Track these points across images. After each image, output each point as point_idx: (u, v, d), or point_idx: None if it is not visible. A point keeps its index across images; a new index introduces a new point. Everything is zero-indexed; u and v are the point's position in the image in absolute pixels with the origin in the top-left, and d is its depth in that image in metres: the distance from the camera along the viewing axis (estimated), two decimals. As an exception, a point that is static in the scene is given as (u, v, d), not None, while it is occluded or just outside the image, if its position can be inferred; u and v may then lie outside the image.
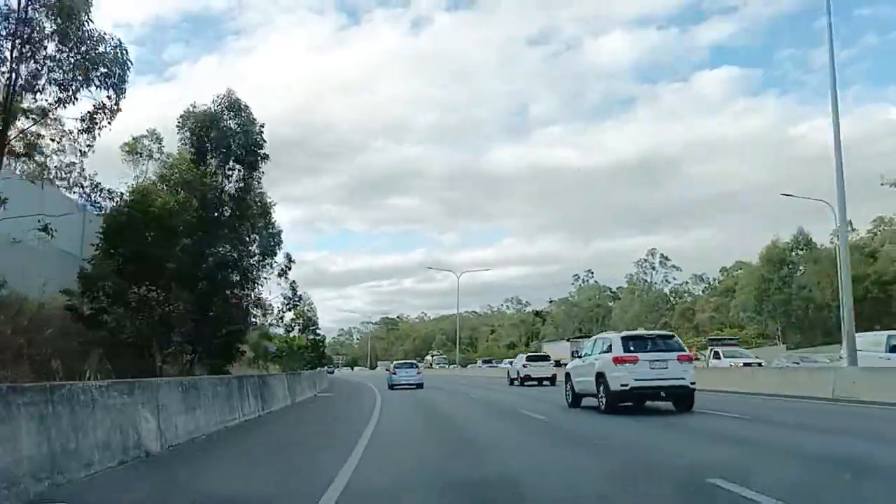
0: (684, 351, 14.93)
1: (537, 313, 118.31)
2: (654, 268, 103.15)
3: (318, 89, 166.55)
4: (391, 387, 32.81)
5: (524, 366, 35.50)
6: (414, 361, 44.24)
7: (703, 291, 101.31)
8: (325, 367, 68.34)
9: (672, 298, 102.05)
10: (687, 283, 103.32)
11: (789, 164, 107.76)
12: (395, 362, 42.04)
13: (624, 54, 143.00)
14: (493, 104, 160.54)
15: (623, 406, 14.36)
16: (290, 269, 23.06)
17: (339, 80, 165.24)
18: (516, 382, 35.14)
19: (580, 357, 17.04)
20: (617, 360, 14.23)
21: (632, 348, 14.41)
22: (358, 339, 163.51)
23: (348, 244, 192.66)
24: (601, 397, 14.62)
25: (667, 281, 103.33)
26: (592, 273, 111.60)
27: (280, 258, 22.46)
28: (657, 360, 14.11)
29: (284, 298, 23.59)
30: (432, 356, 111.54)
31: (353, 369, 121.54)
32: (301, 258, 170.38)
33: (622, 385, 14.00)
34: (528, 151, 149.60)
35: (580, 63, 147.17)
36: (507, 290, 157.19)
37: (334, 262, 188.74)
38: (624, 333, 15.80)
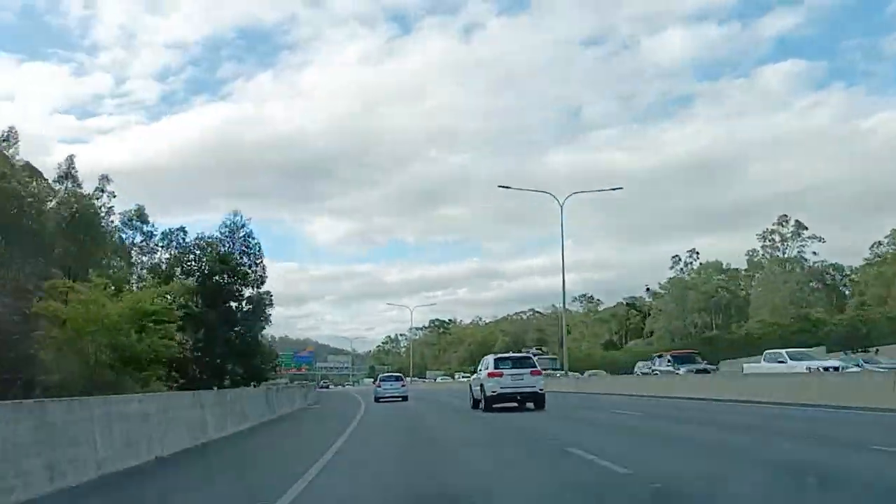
0: (536, 367, 21.30)
1: (631, 305, 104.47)
2: (784, 240, 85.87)
3: (369, 100, 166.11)
4: (377, 399, 33.53)
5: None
6: (400, 374, 44.44)
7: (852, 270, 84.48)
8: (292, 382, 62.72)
9: (828, 274, 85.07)
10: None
11: (858, 160, 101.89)
12: (381, 375, 43.41)
13: (682, 51, 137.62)
14: (545, 109, 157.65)
15: (497, 406, 20.39)
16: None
17: (390, 90, 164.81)
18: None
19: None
20: (490, 375, 20.68)
21: (499, 366, 20.90)
22: (405, 346, 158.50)
23: (400, 255, 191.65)
24: (481, 400, 21.09)
25: (803, 257, 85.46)
26: (697, 253, 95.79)
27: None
28: (516, 374, 20.47)
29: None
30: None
31: (374, 381, 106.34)
32: (353, 271, 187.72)
33: (493, 392, 20.34)
34: (580, 156, 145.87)
35: (636, 62, 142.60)
36: (558, 298, 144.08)
37: (388, 272, 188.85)
38: (495, 356, 22.90)
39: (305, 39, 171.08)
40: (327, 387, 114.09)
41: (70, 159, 37.81)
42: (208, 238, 43.65)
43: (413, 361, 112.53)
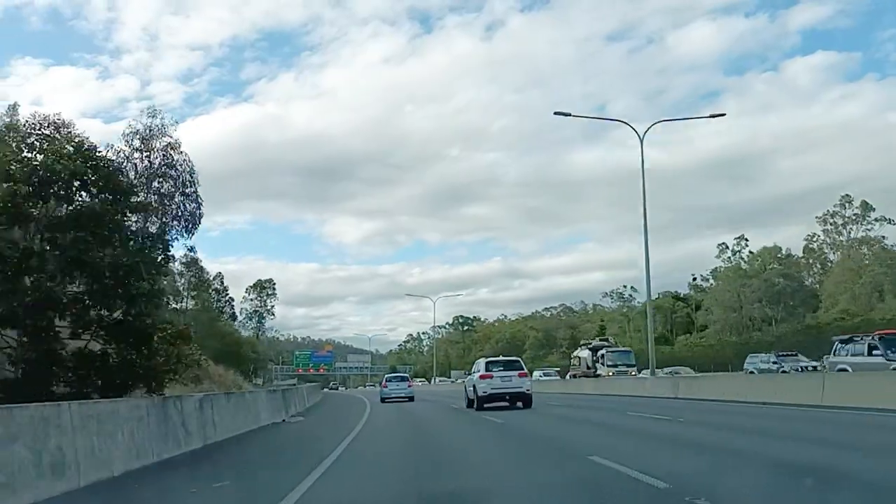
0: (523, 370, 23.14)
1: (679, 297, 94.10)
2: (847, 223, 76.36)
3: (393, 100, 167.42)
4: (383, 400, 33.33)
5: None
6: (405, 374, 44.09)
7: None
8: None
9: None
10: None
11: (891, 153, 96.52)
12: (386, 376, 42.58)
13: (709, 45, 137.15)
14: (570, 106, 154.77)
15: (487, 405, 21.72)
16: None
17: (414, 90, 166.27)
18: None
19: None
20: (482, 377, 22.36)
21: (490, 369, 22.61)
22: (428, 345, 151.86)
23: (424, 255, 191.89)
24: (474, 400, 22.56)
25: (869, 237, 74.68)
26: (746, 240, 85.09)
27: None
28: (505, 376, 22.10)
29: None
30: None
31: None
32: (376, 271, 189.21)
33: (483, 392, 21.92)
34: (606, 153, 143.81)
35: (662, 57, 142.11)
36: (587, 297, 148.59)
37: (410, 273, 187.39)
38: (486, 360, 24.76)
39: (328, 40, 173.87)
40: (336, 388, 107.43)
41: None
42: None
43: (437, 360, 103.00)
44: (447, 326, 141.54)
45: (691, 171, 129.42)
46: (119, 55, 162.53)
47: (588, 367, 45.03)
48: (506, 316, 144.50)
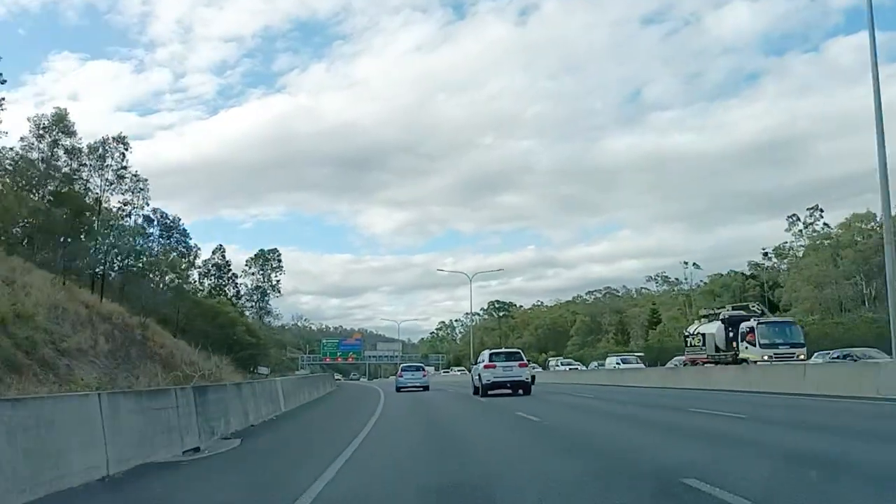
0: (523, 360, 25.88)
1: (750, 276, 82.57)
2: None
3: (425, 89, 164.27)
4: (398, 389, 33.25)
5: None
6: (420, 364, 43.34)
7: None
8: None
9: None
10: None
11: None
12: (402, 365, 42.06)
13: (748, 26, 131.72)
14: (605, 91, 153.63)
15: (490, 393, 24.11)
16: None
17: (446, 78, 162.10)
18: None
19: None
20: (486, 367, 24.99)
21: (493, 360, 25.45)
22: (461, 332, 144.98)
23: (457, 245, 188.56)
24: (479, 388, 25.02)
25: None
26: (821, 211, 74.15)
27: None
28: (506, 366, 24.89)
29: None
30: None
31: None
32: (409, 262, 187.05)
33: (487, 380, 24.50)
34: (642, 139, 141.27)
35: (700, 39, 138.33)
36: (625, 284, 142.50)
37: (443, 263, 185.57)
38: (490, 352, 27.59)
39: (360, 29, 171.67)
40: (357, 379, 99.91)
41: None
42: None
43: (473, 346, 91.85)
44: (482, 313, 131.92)
45: (728, 156, 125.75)
46: (153, 48, 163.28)
47: (720, 350, 32.37)
48: (542, 302, 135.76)
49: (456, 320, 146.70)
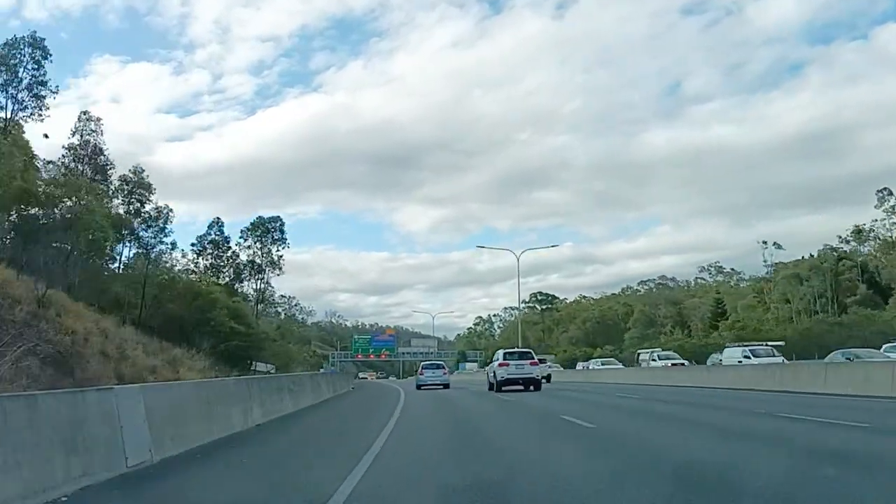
0: (534, 359, 27.80)
1: (843, 257, 70.54)
2: None
3: (462, 85, 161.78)
4: (419, 387, 34.04)
5: None
6: (441, 363, 42.80)
7: None
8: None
9: None
10: None
11: None
12: (423, 364, 41.55)
13: (792, 15, 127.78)
14: (643, 84, 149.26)
15: (504, 389, 25.96)
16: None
17: (482, 73, 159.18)
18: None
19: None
20: (500, 365, 27.08)
21: (506, 359, 27.35)
22: (500, 327, 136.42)
23: (494, 242, 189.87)
24: (494, 384, 27.14)
25: None
26: None
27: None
28: (519, 364, 26.81)
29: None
30: None
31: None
32: (446, 259, 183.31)
33: (501, 377, 26.57)
34: (680, 133, 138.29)
35: (742, 30, 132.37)
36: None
37: (479, 260, 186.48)
38: (504, 351, 29.19)
39: (396, 25, 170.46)
40: (386, 377, 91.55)
41: None
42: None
43: (520, 341, 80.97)
44: (525, 306, 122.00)
45: (770, 149, 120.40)
46: (192, 49, 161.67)
47: None
48: (585, 297, 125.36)
49: (494, 315, 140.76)
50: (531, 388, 25.96)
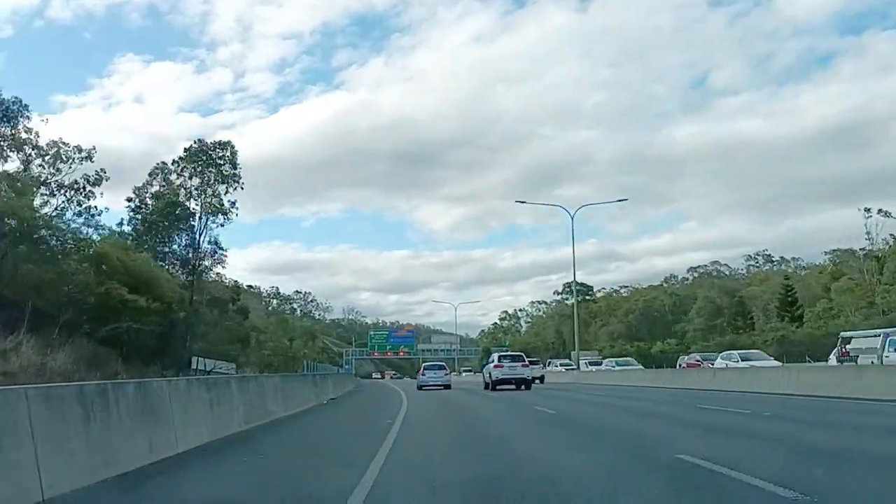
0: (525, 361, 31.37)
1: None
2: None
3: (484, 80, 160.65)
4: (420, 387, 34.16)
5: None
6: (443, 364, 40.51)
7: None
8: None
9: None
10: None
11: None
12: (424, 364, 40.29)
13: (822, 4, 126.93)
14: (669, 77, 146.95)
15: (498, 388, 28.59)
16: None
17: (505, 68, 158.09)
18: None
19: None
20: (495, 366, 30.23)
21: (501, 361, 30.72)
22: (527, 322, 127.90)
23: (516, 239, 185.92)
24: (489, 383, 30.14)
25: None
26: None
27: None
28: (511, 366, 30.13)
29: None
30: None
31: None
32: (468, 257, 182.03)
33: (496, 377, 29.52)
34: (707, 127, 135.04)
35: (770, 21, 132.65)
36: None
37: (502, 258, 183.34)
38: (498, 354, 33.18)
39: (418, 20, 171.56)
40: (400, 378, 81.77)
41: None
42: None
43: (576, 327, 62.30)
44: (558, 297, 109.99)
45: (799, 142, 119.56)
46: (214, 48, 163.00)
47: None
48: (617, 290, 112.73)
49: (520, 310, 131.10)
50: (522, 387, 29.16)
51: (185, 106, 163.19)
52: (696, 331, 72.88)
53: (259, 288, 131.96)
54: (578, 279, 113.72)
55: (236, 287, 51.85)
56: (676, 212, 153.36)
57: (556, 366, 51.43)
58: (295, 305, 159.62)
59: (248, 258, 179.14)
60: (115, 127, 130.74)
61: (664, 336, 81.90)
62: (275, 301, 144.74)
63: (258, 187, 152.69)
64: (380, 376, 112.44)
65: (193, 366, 30.27)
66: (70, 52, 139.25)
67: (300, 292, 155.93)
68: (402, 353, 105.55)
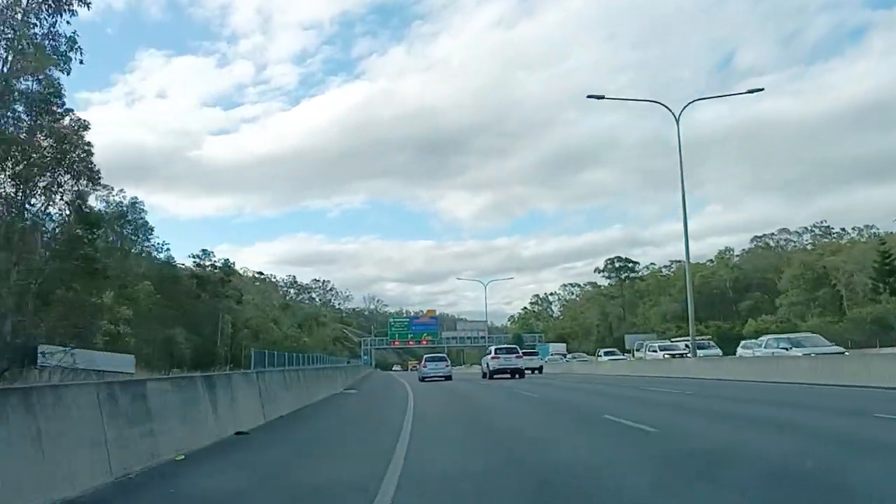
0: (519, 353, 35.34)
1: None
2: None
3: (506, 65, 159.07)
4: (421, 379, 35.56)
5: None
6: (444, 356, 41.51)
7: None
8: None
9: None
10: None
11: None
12: (426, 356, 40.63)
13: None
14: (693, 58, 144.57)
15: (494, 377, 32.24)
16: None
17: (527, 53, 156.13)
18: None
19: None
20: (492, 358, 34.21)
21: (497, 353, 34.73)
22: (561, 306, 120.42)
23: (540, 226, 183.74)
24: (487, 373, 34.40)
25: None
26: None
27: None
28: (507, 357, 34.07)
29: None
30: None
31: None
32: (492, 246, 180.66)
33: (493, 368, 33.45)
34: (733, 108, 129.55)
35: None
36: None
37: (526, 246, 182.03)
38: (495, 347, 37.49)
39: (438, 7, 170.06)
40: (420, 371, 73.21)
41: None
42: None
43: (688, 294, 47.12)
44: (600, 275, 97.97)
45: (829, 121, 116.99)
46: (235, 40, 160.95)
47: None
48: (657, 266, 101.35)
49: (551, 294, 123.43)
50: (516, 376, 32.83)
51: (208, 100, 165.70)
52: (791, 304, 60.19)
53: (275, 277, 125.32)
54: (602, 265, 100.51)
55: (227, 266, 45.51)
56: (701, 195, 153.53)
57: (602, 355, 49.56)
58: (314, 294, 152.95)
59: (272, 250, 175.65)
60: (138, 122, 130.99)
61: (724, 316, 69.93)
62: (292, 290, 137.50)
63: (281, 179, 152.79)
64: (400, 368, 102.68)
65: (45, 360, 18.82)
66: (93, 48, 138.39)
67: (318, 280, 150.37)
68: (424, 342, 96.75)
